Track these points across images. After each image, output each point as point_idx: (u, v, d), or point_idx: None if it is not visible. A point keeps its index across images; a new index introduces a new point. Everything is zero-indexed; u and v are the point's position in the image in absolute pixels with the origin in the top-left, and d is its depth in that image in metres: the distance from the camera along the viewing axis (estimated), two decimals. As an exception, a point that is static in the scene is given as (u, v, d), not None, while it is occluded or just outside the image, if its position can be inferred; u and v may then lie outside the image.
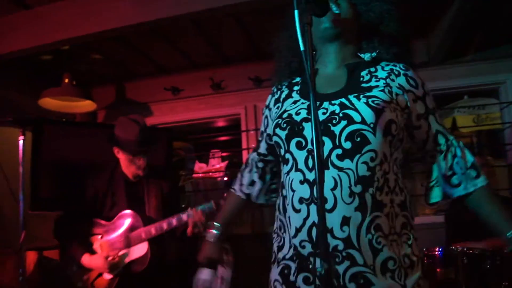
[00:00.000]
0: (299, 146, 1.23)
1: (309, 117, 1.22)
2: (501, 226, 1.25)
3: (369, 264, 1.12)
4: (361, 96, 1.22)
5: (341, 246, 1.13)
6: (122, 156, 2.55)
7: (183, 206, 3.60)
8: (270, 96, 1.49)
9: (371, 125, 1.16)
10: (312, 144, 1.18)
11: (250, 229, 4.09)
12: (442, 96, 4.36)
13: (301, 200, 1.19)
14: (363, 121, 1.16)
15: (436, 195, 1.34)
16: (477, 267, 2.39)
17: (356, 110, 1.18)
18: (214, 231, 1.56)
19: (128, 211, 2.49)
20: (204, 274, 1.57)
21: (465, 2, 2.94)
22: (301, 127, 1.23)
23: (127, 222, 2.47)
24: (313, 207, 1.16)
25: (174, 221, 2.43)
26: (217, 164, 4.56)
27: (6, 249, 3.54)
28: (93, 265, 2.42)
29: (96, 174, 2.59)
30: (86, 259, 2.42)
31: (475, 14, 3.17)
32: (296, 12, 1.04)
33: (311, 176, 1.18)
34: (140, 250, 2.44)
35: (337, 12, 1.26)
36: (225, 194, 2.34)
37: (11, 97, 4.00)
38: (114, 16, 3.00)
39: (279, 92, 1.45)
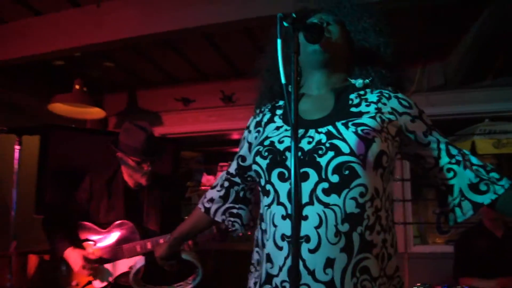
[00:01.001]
0: (281, 177, 1.14)
1: (279, 144, 1.16)
2: None
3: None
4: (349, 123, 1.13)
5: None
6: (125, 163, 2.44)
7: (185, 218, 3.56)
8: (252, 118, 1.43)
9: (361, 157, 1.07)
10: (293, 176, 1.07)
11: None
12: (460, 119, 4.25)
13: (283, 237, 1.10)
14: (352, 153, 1.07)
15: (467, 209, 1.21)
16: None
17: (344, 140, 1.09)
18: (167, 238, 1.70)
19: (125, 221, 2.40)
20: (139, 261, 1.92)
21: (485, 26, 2.85)
22: (284, 157, 1.14)
23: (122, 232, 2.39)
24: (292, 248, 1.07)
25: (162, 241, 2.32)
26: (224, 177, 4.51)
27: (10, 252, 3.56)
28: (71, 260, 2.30)
29: (94, 177, 2.51)
30: (69, 252, 2.31)
31: (494, 38, 3.07)
32: (278, 41, 0.97)
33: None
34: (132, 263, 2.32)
35: (327, 35, 1.20)
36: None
37: (23, 101, 4.04)
38: (125, 26, 3.00)
39: (261, 115, 1.37)
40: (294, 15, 1.05)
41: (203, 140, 4.88)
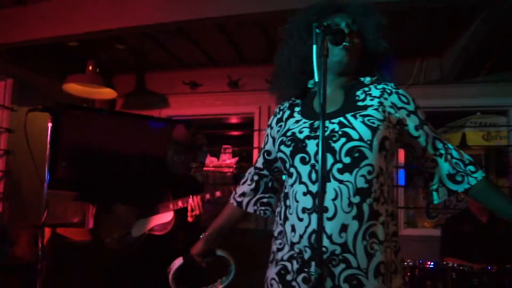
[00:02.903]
0: (303, 161, 1.35)
1: (311, 135, 1.36)
2: (507, 209, 1.38)
3: (362, 268, 1.25)
4: (357, 115, 1.35)
5: (338, 250, 1.25)
6: (172, 151, 2.91)
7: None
8: (272, 116, 1.63)
9: (368, 142, 1.29)
10: (315, 159, 1.32)
11: (254, 225, 4.25)
12: (454, 112, 4.48)
13: (303, 210, 1.32)
14: (361, 139, 1.29)
15: (443, 194, 1.47)
16: (464, 283, 2.53)
17: (353, 128, 1.31)
18: (203, 235, 1.78)
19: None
20: (177, 260, 1.85)
21: (482, 26, 3.03)
22: (304, 144, 1.36)
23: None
24: (314, 216, 1.29)
25: (189, 199, 2.76)
26: (227, 159, 4.71)
27: (22, 222, 3.75)
28: (123, 213, 2.83)
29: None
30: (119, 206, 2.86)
31: (490, 37, 3.26)
32: (314, 47, 1.18)
33: (314, 188, 1.31)
34: (166, 217, 2.79)
35: (347, 44, 1.40)
36: (232, 188, 2.65)
37: (36, 80, 4.18)
38: (144, 14, 3.13)
39: (281, 113, 1.58)
40: (325, 23, 1.25)
41: (207, 123, 5.06)
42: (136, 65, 4.68)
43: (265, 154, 1.64)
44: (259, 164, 1.69)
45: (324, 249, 1.26)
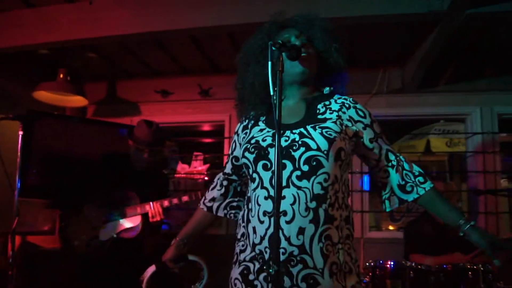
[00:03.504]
0: (265, 167, 1.47)
1: (274, 143, 1.47)
2: (453, 217, 1.51)
3: (318, 268, 1.36)
4: (316, 127, 1.47)
5: (296, 251, 1.36)
6: (134, 148, 3.02)
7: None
8: (239, 124, 1.74)
9: (325, 152, 1.41)
10: (275, 166, 1.42)
11: (225, 230, 4.33)
12: (418, 119, 4.69)
13: (264, 213, 1.44)
14: (318, 149, 1.41)
15: (394, 203, 1.61)
16: (422, 281, 2.68)
17: (312, 139, 1.43)
18: (174, 241, 1.83)
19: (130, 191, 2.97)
20: (150, 268, 1.90)
21: (438, 39, 3.23)
22: (266, 152, 1.47)
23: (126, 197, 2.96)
24: (274, 219, 1.39)
25: (158, 204, 2.90)
26: (199, 166, 4.78)
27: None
28: (90, 215, 2.89)
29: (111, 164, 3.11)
30: (86, 209, 2.92)
31: (448, 48, 3.49)
32: (269, 63, 1.30)
33: (274, 193, 1.43)
34: (134, 220, 2.91)
35: (304, 55, 1.52)
36: (200, 193, 2.89)
37: (6, 88, 4.16)
38: (117, 24, 3.20)
39: (247, 121, 1.69)
40: (280, 41, 1.37)
41: (178, 130, 5.12)
42: (108, 73, 4.71)
43: (233, 160, 1.73)
44: (228, 169, 1.78)
45: (282, 250, 1.36)
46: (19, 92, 4.23)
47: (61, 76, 4.07)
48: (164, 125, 4.75)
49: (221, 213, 1.81)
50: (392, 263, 2.74)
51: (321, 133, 1.43)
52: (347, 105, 1.57)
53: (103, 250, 2.88)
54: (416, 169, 1.59)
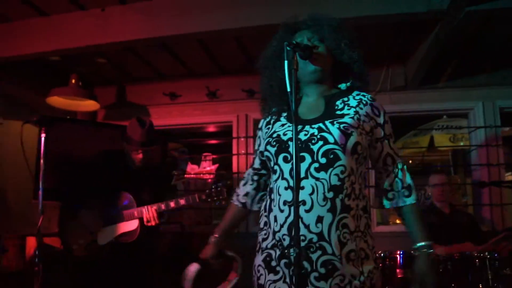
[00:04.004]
0: (285, 160, 1.56)
1: (284, 136, 1.59)
2: (414, 237, 1.59)
3: (336, 254, 1.43)
4: (335, 122, 1.55)
5: (315, 239, 1.44)
6: (127, 149, 3.00)
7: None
8: (262, 120, 1.83)
9: (342, 146, 1.49)
10: (294, 159, 1.50)
11: (245, 228, 4.42)
12: (421, 115, 4.79)
13: (284, 203, 1.53)
14: (336, 142, 1.49)
15: (378, 204, 1.69)
16: (431, 270, 2.78)
17: (330, 133, 1.51)
18: (213, 238, 1.88)
19: (125, 193, 2.95)
20: (192, 266, 1.93)
21: (439, 37, 3.33)
22: (287, 145, 1.57)
23: (123, 201, 2.95)
24: (293, 208, 1.47)
25: (155, 207, 2.88)
26: (208, 166, 4.89)
27: (11, 234, 3.84)
28: (86, 220, 2.89)
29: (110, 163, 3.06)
30: (84, 213, 2.91)
31: (448, 45, 3.58)
32: (285, 62, 1.41)
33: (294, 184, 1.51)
34: (131, 225, 2.90)
35: (316, 51, 1.61)
36: (197, 195, 2.87)
37: (20, 94, 4.29)
38: (128, 30, 3.32)
39: (269, 117, 1.79)
40: (294, 41, 1.48)
41: (186, 131, 5.23)
42: (117, 78, 4.83)
43: (260, 155, 1.81)
44: (256, 164, 1.86)
45: (302, 237, 1.46)
46: (31, 98, 4.36)
47: (73, 81, 4.18)
48: (172, 127, 4.89)
49: (255, 207, 1.88)
50: (401, 252, 2.84)
51: (339, 128, 1.51)
52: (364, 102, 1.65)
53: (102, 254, 2.88)
54: (408, 181, 1.65)
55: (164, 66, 4.53)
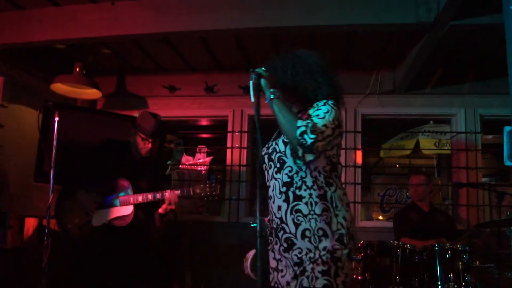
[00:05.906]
0: (265, 168, 2.05)
1: (263, 152, 2.05)
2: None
3: (293, 232, 1.85)
4: (281, 135, 1.97)
5: (279, 222, 1.91)
6: (135, 138, 3.18)
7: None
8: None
9: (283, 152, 1.93)
10: (265, 168, 2.02)
11: (227, 218, 4.64)
12: (409, 119, 5.05)
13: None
14: (280, 151, 1.94)
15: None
16: (407, 259, 3.04)
17: (278, 145, 1.97)
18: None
19: (123, 179, 3.12)
20: (251, 251, 2.24)
21: (425, 46, 3.57)
22: (264, 158, 2.07)
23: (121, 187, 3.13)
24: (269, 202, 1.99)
25: (150, 196, 3.05)
26: (202, 158, 5.11)
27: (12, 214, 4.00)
28: (83, 199, 3.05)
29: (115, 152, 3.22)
30: (82, 193, 3.06)
31: (434, 55, 3.84)
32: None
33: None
34: (126, 210, 3.07)
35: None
36: (208, 185, 3.06)
37: (25, 79, 4.44)
38: (134, 24, 3.49)
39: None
40: (258, 70, 1.86)
41: (182, 124, 5.42)
42: (118, 68, 5.00)
43: None
44: None
45: (274, 221, 1.95)
46: (37, 84, 4.51)
47: (77, 69, 4.34)
48: (170, 119, 5.08)
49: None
50: (378, 243, 3.11)
51: (283, 140, 1.94)
52: (314, 106, 1.96)
53: (95, 235, 3.02)
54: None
55: (165, 59, 4.70)
